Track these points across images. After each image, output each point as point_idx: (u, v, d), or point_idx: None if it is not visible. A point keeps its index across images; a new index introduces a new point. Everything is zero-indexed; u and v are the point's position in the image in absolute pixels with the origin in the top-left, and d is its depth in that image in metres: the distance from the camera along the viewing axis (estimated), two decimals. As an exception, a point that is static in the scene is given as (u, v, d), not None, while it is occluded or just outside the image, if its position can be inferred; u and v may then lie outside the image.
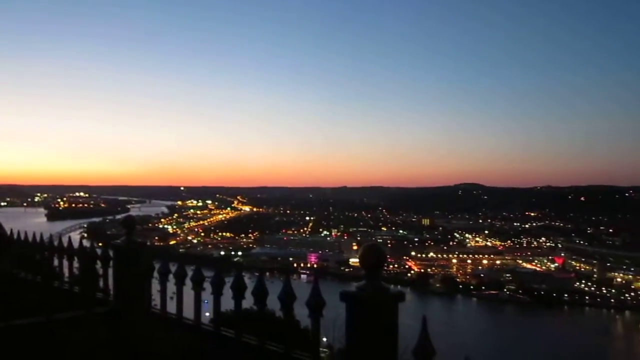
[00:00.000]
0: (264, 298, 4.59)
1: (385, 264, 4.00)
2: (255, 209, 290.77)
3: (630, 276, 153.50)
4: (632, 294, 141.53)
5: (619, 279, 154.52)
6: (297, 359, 4.28)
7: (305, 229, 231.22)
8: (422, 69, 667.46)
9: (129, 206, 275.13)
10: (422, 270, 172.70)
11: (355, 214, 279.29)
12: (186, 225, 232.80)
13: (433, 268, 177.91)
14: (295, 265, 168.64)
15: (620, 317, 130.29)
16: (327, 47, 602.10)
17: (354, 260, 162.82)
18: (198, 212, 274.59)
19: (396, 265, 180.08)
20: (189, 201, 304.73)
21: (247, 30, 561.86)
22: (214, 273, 5.19)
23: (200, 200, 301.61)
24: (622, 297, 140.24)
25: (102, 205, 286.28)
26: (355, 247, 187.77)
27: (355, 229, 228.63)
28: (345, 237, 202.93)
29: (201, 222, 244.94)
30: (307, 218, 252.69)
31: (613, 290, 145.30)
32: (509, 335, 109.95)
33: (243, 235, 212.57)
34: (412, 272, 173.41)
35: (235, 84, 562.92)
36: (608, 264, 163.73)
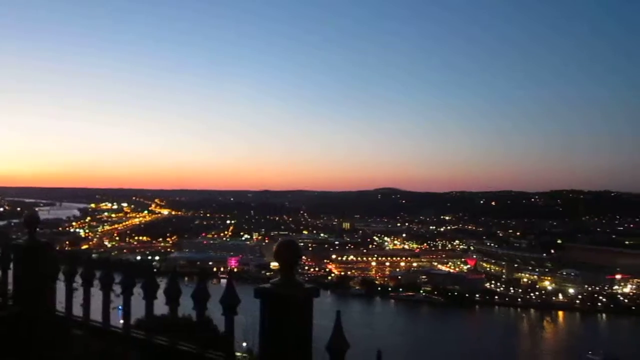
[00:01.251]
0: (177, 297, 4.44)
1: (300, 259, 3.91)
2: (174, 212, 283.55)
3: (535, 276, 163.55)
4: (537, 293, 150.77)
5: (525, 279, 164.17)
6: (210, 358, 4.17)
7: (226, 232, 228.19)
8: (341, 75, 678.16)
9: (37, 209, 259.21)
10: (343, 273, 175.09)
11: (277, 218, 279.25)
12: (100, 229, 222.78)
13: (353, 271, 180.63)
14: (215, 269, 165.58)
15: (526, 315, 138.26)
16: (250, 47, 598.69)
17: (275, 264, 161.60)
18: (113, 215, 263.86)
19: (317, 269, 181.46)
20: (103, 204, 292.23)
21: (166, 26, 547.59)
22: (124, 274, 4.95)
23: (115, 203, 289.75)
24: (528, 296, 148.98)
25: (6, 207, 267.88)
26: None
27: (276, 232, 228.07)
28: (267, 241, 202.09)
29: (116, 225, 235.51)
30: (228, 222, 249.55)
31: (520, 290, 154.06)
32: (422, 333, 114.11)
33: (161, 239, 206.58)
34: (333, 275, 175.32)
35: (155, 83, 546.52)
36: (515, 265, 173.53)
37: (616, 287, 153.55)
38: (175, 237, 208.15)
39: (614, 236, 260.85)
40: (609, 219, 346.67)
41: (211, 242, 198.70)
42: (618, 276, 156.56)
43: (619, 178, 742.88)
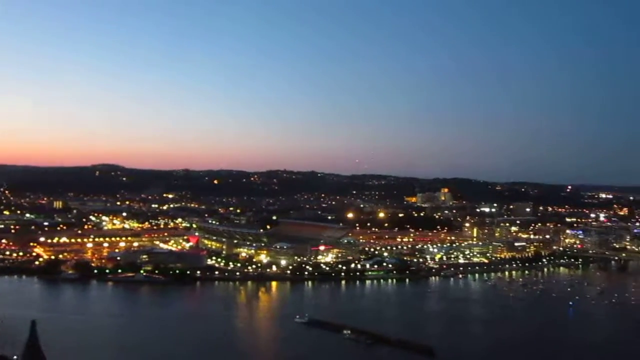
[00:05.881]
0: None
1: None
2: None
3: (252, 251, 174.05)
4: (254, 266, 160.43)
5: (243, 254, 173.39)
6: None
7: None
8: (58, 42, 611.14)
9: None
10: (53, 257, 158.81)
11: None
12: None
13: (65, 254, 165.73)
14: None
15: (244, 287, 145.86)
16: None
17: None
18: None
19: (21, 253, 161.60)
20: None
21: None
22: None
23: None
24: (246, 270, 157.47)
25: None
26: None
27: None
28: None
29: None
30: None
31: (239, 264, 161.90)
32: (137, 314, 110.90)
33: None
34: (41, 259, 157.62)
35: None
36: (235, 241, 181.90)
37: (320, 256, 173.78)
38: None
39: (319, 212, 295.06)
40: (316, 197, 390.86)
41: None
42: (322, 247, 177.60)
43: (323, 160, 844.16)
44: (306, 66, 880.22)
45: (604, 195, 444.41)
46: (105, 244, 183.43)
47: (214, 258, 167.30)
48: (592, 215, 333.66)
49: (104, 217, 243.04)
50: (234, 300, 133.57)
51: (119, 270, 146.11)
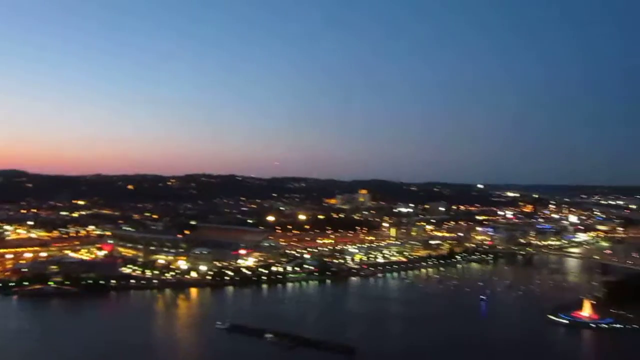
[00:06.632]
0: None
1: None
2: None
3: (170, 257, 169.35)
4: (172, 273, 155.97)
5: (161, 261, 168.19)
6: None
7: None
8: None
9: None
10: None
11: None
12: None
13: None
14: None
15: (162, 295, 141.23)
16: None
17: None
18: None
19: None
20: None
21: None
22: None
23: None
24: (164, 277, 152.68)
25: None
26: None
27: None
28: None
29: None
30: None
31: (156, 272, 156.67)
32: (44, 329, 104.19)
33: None
34: None
35: None
36: (152, 248, 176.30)
37: (240, 261, 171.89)
38: None
39: (239, 216, 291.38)
40: (236, 201, 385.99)
41: None
42: (242, 251, 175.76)
43: (243, 164, 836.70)
44: (223, 68, 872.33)
45: (510, 194, 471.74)
46: (9, 256, 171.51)
47: (129, 266, 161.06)
48: (500, 212, 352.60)
49: (6, 227, 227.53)
50: (151, 308, 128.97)
51: (25, 283, 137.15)
